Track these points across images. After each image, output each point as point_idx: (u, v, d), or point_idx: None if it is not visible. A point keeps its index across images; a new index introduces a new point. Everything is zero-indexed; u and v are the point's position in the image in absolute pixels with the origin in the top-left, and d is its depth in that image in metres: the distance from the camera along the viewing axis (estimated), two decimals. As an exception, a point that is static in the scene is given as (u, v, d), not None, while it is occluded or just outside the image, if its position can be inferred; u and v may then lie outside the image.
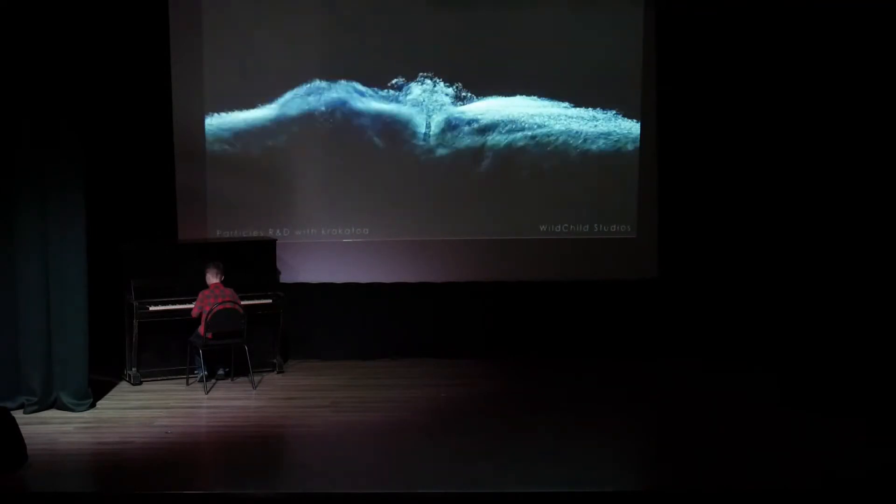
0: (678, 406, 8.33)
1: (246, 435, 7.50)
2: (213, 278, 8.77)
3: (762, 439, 7.27)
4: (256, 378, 8.98)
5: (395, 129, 9.96)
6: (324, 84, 9.87)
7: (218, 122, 9.83)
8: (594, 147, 10.05)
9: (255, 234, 9.89)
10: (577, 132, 10.02)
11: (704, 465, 6.76)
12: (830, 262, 9.66)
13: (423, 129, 9.98)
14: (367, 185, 9.97)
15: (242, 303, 8.85)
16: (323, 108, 9.89)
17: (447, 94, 9.94)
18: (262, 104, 9.84)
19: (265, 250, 9.56)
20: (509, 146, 10.01)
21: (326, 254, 9.97)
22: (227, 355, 9.01)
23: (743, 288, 9.88)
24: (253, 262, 9.44)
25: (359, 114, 9.92)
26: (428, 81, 9.93)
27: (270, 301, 9.27)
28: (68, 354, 7.97)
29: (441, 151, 10.01)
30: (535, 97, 9.98)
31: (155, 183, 9.65)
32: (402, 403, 8.32)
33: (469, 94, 9.95)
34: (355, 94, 9.90)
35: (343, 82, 9.88)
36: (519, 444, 7.20)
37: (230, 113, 9.82)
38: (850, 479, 6.46)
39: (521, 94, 9.97)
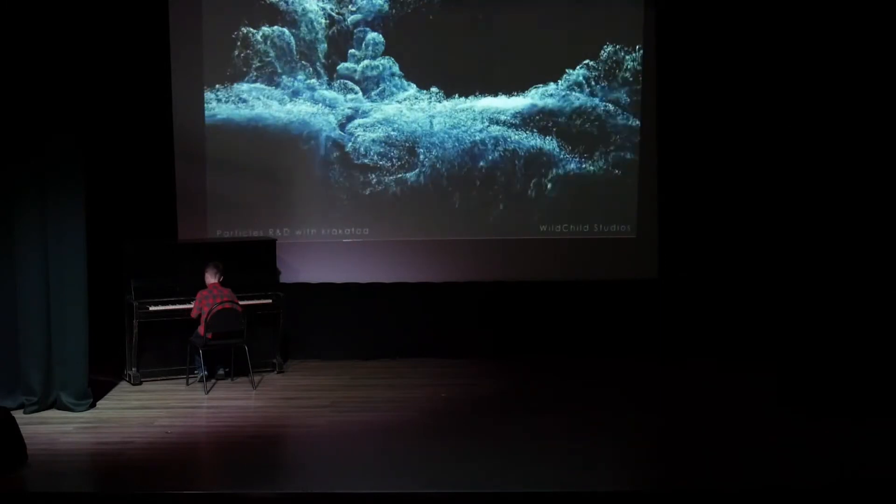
0: (678, 406, 8.32)
1: (246, 435, 7.49)
2: (211, 278, 8.77)
3: (762, 439, 7.27)
4: (256, 378, 8.98)
5: (395, 128, 9.96)
6: (324, 83, 9.88)
7: (218, 121, 9.83)
8: (594, 147, 10.05)
9: (255, 234, 9.89)
10: (576, 132, 10.03)
11: (704, 465, 6.76)
12: (831, 262, 9.65)
13: (422, 129, 9.98)
14: (367, 185, 9.98)
15: (242, 303, 8.85)
16: (323, 108, 9.90)
17: (446, 95, 9.94)
18: (262, 103, 9.84)
19: (265, 250, 9.56)
20: (509, 146, 10.02)
21: (326, 254, 9.97)
22: (227, 355, 9.01)
23: (743, 288, 9.88)
24: (253, 262, 9.44)
25: (359, 113, 9.93)
26: (428, 81, 9.93)
27: (270, 301, 9.27)
28: (68, 354, 7.97)
29: (441, 151, 10.01)
30: (535, 97, 9.98)
31: (155, 183, 9.65)
32: (402, 403, 8.32)
33: (468, 95, 9.95)
34: (355, 94, 9.91)
35: (343, 82, 9.89)
36: (519, 444, 7.19)
37: (230, 112, 9.83)
38: (850, 479, 6.46)
39: (521, 94, 9.97)
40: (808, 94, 9.66)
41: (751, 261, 9.88)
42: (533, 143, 10.02)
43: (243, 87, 9.83)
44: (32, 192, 7.81)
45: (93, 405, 8.12)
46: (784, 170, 9.80)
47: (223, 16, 9.75)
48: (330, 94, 9.90)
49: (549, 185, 10.05)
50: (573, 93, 9.99)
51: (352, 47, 9.87)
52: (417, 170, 10.02)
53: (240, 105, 9.84)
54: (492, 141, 10.01)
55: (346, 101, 9.91)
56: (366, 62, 9.88)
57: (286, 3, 9.79)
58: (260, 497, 6.14)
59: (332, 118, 9.93)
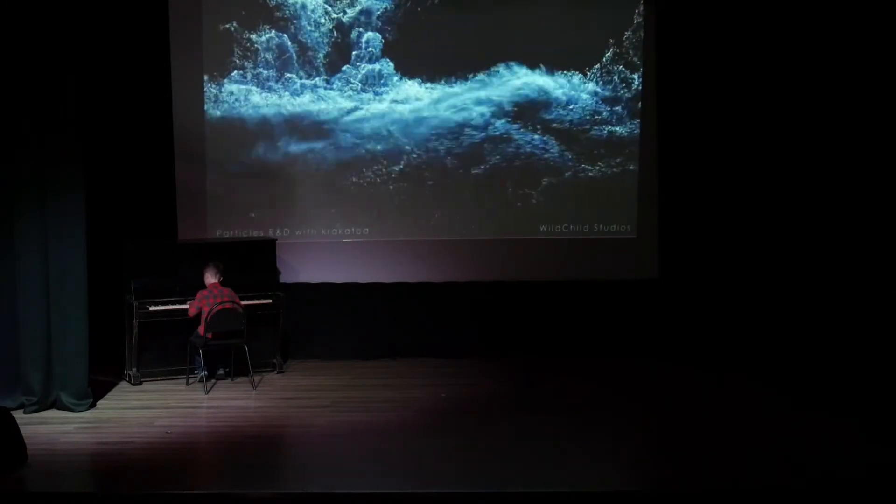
0: (678, 406, 8.33)
1: (246, 435, 7.49)
2: (211, 278, 8.77)
3: (762, 439, 7.27)
4: (256, 378, 8.98)
5: (395, 127, 9.96)
6: (324, 82, 9.88)
7: (218, 120, 9.83)
8: (594, 147, 10.05)
9: (255, 234, 9.89)
10: (576, 132, 10.03)
11: (704, 465, 6.76)
12: (830, 262, 9.65)
13: (423, 128, 9.98)
14: (367, 185, 9.98)
15: (242, 303, 8.85)
16: (323, 107, 9.90)
17: (447, 94, 9.94)
18: (262, 103, 9.84)
19: (265, 250, 9.56)
20: (510, 146, 10.02)
21: (326, 254, 9.97)
22: (227, 355, 9.01)
23: (743, 288, 9.87)
24: (253, 262, 9.44)
25: (358, 113, 9.93)
26: (428, 81, 9.93)
27: (270, 301, 9.27)
28: (68, 354, 7.97)
29: (441, 151, 10.01)
30: (535, 97, 9.98)
31: (155, 183, 9.65)
32: (402, 403, 8.32)
33: (469, 94, 9.95)
34: (355, 93, 9.91)
35: (343, 81, 9.89)
36: (519, 444, 7.20)
37: (230, 112, 9.82)
38: (849, 478, 6.46)
39: (521, 94, 9.97)
40: (808, 95, 9.65)
41: (751, 260, 9.87)
42: (534, 143, 10.02)
43: (243, 87, 9.83)
44: (32, 191, 7.80)
45: (93, 405, 8.12)
46: (783, 169, 9.80)
47: (223, 15, 9.75)
48: (330, 93, 9.90)
49: (549, 186, 10.04)
50: (574, 93, 9.99)
51: (351, 46, 9.87)
52: (418, 169, 10.01)
53: (240, 104, 9.83)
54: (493, 141, 10.01)
55: (346, 100, 9.91)
56: (366, 60, 9.88)
57: (285, 2, 9.79)
58: (260, 497, 6.14)
59: (332, 117, 9.92)
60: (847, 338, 9.40)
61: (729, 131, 9.83)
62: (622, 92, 10.01)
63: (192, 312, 8.72)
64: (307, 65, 9.86)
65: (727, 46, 9.75)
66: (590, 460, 6.87)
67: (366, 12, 9.82)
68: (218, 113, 9.83)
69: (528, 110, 10.00)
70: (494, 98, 9.96)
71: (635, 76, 9.98)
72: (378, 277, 9.98)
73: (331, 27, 9.84)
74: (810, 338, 9.57)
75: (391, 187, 10.00)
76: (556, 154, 10.04)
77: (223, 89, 9.81)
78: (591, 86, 9.98)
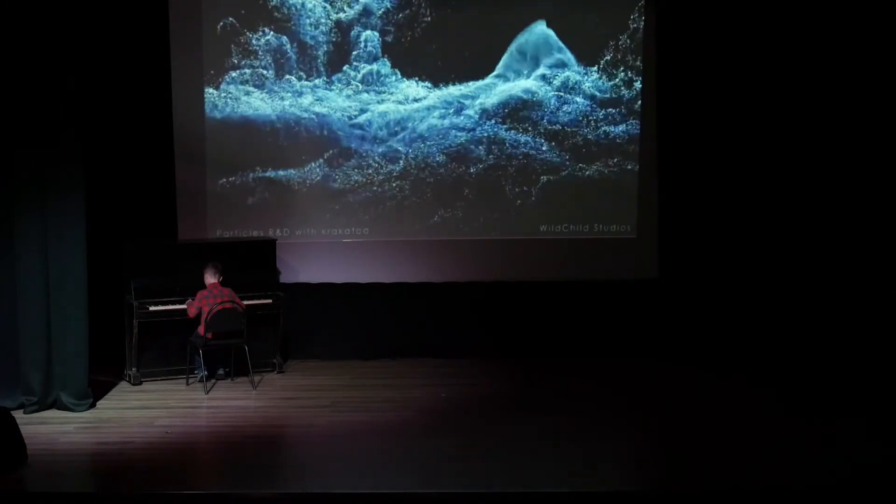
0: (678, 406, 8.33)
1: (246, 435, 7.49)
2: (211, 278, 8.77)
3: (762, 439, 7.27)
4: (256, 378, 8.98)
5: (395, 126, 9.96)
6: (323, 82, 9.88)
7: (218, 120, 9.83)
8: (594, 147, 10.05)
9: (255, 234, 9.89)
10: (576, 132, 10.03)
11: (704, 465, 6.76)
12: (830, 262, 9.65)
13: (423, 128, 9.98)
14: (367, 185, 9.98)
15: (243, 303, 8.85)
16: (322, 107, 9.90)
17: (446, 93, 9.94)
18: (262, 103, 9.84)
19: (265, 250, 9.56)
20: (510, 146, 10.02)
21: (326, 254, 9.98)
22: (227, 355, 9.01)
23: (743, 288, 9.87)
24: (253, 262, 9.44)
25: (357, 113, 9.93)
26: (428, 80, 9.93)
27: (270, 301, 9.27)
28: (68, 354, 7.97)
29: (440, 151, 10.01)
30: (534, 97, 9.98)
31: (155, 183, 9.65)
32: (402, 403, 8.32)
33: (468, 94, 9.95)
34: (355, 93, 9.91)
35: (342, 81, 9.90)
36: (519, 444, 7.20)
37: (230, 112, 9.82)
38: (849, 478, 6.46)
39: (520, 94, 9.97)
40: (807, 96, 9.65)
41: (751, 260, 9.87)
42: (533, 142, 10.02)
43: (243, 87, 9.83)
44: (32, 191, 7.81)
45: (93, 405, 8.12)
46: (783, 169, 9.80)
47: (223, 15, 9.74)
48: (329, 93, 9.89)
49: (548, 185, 10.04)
50: (573, 93, 9.99)
51: (351, 46, 9.87)
52: (417, 169, 10.01)
53: (240, 104, 9.83)
54: (492, 141, 10.01)
55: (345, 100, 9.91)
56: (364, 60, 9.88)
57: (286, 2, 9.79)
58: (260, 497, 6.14)
59: (331, 117, 9.92)
60: (847, 337, 9.40)
61: (728, 131, 9.83)
62: (622, 92, 10.01)
63: (191, 313, 8.71)
64: (307, 65, 9.86)
65: (727, 46, 9.74)
66: (590, 460, 6.87)
67: (366, 11, 9.83)
68: (218, 113, 9.83)
69: (527, 110, 10.00)
70: (493, 98, 9.97)
71: (635, 76, 9.98)
72: (378, 277, 9.98)
73: (331, 26, 9.84)
74: (810, 338, 9.57)
75: (391, 186, 10.01)
76: (557, 154, 10.04)
77: (223, 89, 9.81)
78: (590, 86, 9.98)
